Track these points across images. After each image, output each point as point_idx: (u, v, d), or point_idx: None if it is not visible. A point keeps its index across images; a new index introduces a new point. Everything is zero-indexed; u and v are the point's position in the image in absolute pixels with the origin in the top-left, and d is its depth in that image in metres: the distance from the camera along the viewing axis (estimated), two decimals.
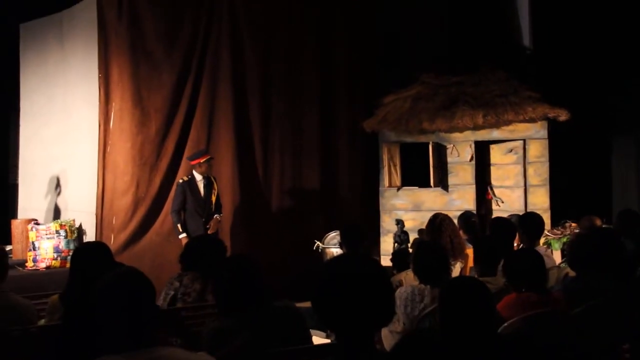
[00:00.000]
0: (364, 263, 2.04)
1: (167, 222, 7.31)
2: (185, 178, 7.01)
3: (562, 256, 6.53)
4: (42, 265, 6.75)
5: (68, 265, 5.57)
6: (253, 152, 7.95)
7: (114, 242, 6.93)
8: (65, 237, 6.84)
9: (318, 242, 7.23)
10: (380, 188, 8.25)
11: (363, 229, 5.50)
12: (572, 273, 4.48)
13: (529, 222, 5.30)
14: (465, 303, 2.64)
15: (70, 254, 5.99)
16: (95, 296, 2.29)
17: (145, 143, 7.27)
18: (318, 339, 3.60)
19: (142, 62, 7.28)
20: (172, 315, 3.84)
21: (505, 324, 3.20)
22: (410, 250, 6.75)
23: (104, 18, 7.12)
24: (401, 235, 7.30)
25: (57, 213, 7.59)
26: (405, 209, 8.06)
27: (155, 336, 2.30)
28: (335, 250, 6.74)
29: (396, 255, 5.83)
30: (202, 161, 6.97)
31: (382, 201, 8.25)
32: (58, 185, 7.69)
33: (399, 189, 8.15)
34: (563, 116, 7.51)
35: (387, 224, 8.08)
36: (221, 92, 7.70)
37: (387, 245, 7.90)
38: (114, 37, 7.13)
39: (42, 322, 3.71)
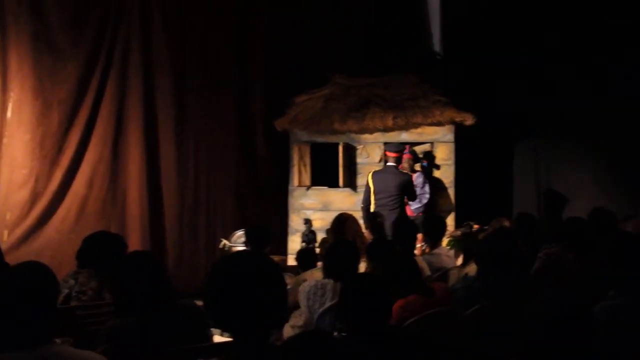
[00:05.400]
0: (256, 261, 2.01)
1: (68, 219, 7.05)
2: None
3: (464, 257, 6.70)
4: None
5: None
6: (164, 150, 7.75)
7: (8, 238, 6.61)
8: None
9: (225, 241, 7.15)
10: (290, 187, 8.24)
11: (267, 229, 5.48)
12: (471, 273, 4.62)
13: (431, 224, 5.47)
14: (365, 299, 2.69)
15: None
16: None
17: (47, 136, 6.99)
18: (219, 338, 3.54)
19: (45, 51, 6.98)
20: (65, 314, 3.69)
21: (405, 325, 3.25)
22: (318, 249, 6.79)
23: (2, 3, 6.78)
24: (309, 235, 7.34)
25: None
26: (314, 209, 8.08)
27: (50, 333, 2.25)
28: (241, 249, 6.67)
29: (302, 254, 5.83)
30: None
31: (290, 200, 8.24)
32: None
33: (308, 188, 8.16)
34: (469, 121, 7.74)
35: (296, 223, 8.08)
36: (131, 87, 7.49)
37: (294, 244, 7.89)
38: (14, 24, 6.79)
39: None
